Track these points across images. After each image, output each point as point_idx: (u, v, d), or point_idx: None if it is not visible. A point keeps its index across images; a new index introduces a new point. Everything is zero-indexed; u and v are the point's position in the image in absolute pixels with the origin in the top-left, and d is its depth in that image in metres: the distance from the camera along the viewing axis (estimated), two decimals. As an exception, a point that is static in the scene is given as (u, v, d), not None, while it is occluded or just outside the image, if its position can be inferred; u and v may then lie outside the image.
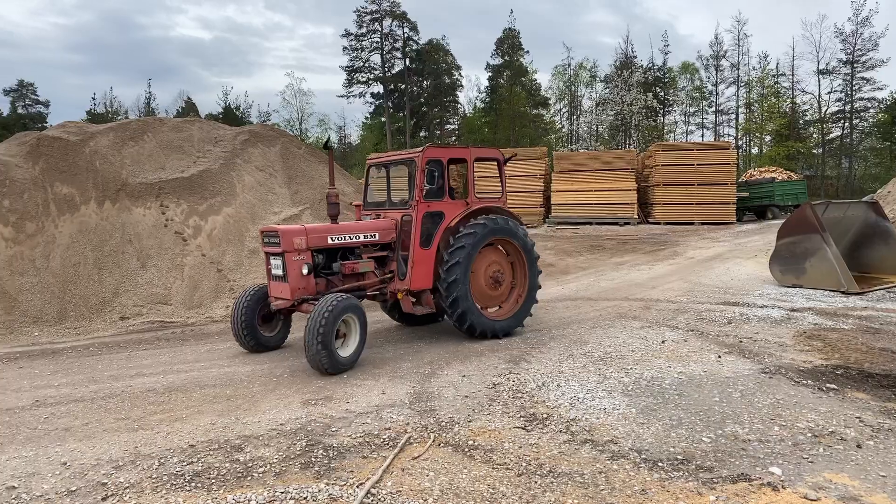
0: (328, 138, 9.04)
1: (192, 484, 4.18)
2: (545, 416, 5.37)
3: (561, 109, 57.34)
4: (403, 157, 8.26)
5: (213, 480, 4.23)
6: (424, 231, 7.77)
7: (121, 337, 9.11)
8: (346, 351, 6.90)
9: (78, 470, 4.39)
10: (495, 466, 4.40)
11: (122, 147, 13.11)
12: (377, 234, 7.95)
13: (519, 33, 52.50)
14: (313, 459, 4.55)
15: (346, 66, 54.14)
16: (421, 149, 7.82)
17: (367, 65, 54.18)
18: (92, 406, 5.86)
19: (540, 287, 8.81)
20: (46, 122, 53.63)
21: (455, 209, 8.05)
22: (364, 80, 54.54)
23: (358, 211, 8.53)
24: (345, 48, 54.09)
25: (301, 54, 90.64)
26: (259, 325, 7.85)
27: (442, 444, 4.80)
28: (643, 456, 4.52)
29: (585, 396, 5.82)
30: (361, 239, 7.86)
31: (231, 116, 51.69)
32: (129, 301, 10.17)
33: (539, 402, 5.71)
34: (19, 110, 55.50)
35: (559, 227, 27.06)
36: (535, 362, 7.04)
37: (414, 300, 8.02)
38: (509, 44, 52.08)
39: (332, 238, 7.66)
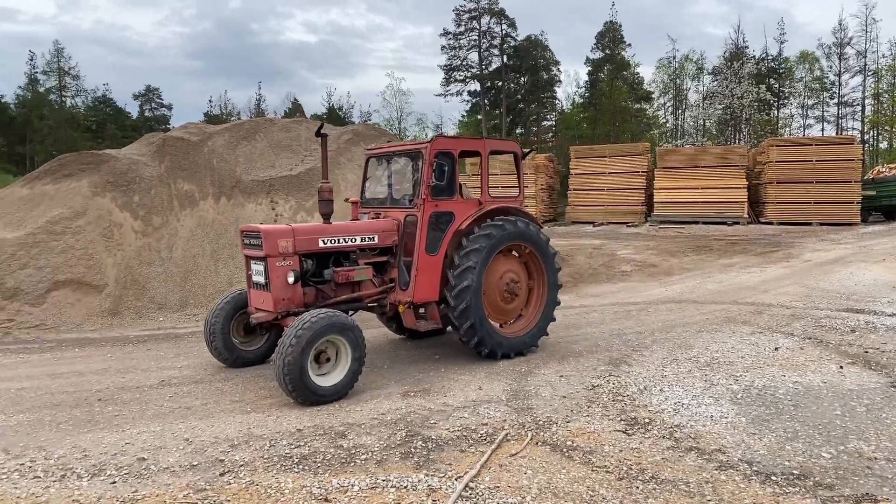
0: (321, 125, 7.70)
1: (300, 466, 4.39)
2: (647, 420, 5.21)
3: (665, 104, 55.18)
4: (408, 148, 7.29)
5: (318, 464, 4.43)
6: (431, 234, 6.76)
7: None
8: (329, 379, 5.78)
9: (199, 446, 4.73)
10: (595, 469, 4.32)
11: (237, 146, 13.96)
12: (376, 237, 6.88)
13: (621, 26, 51.01)
14: (413, 450, 4.65)
15: (444, 65, 54.74)
16: (429, 139, 6.92)
17: (464, 63, 54.54)
18: (210, 388, 6.29)
19: (559, 304, 7.74)
20: (169, 124, 58.04)
21: (467, 209, 7.04)
22: (461, 78, 54.93)
23: (354, 209, 7.54)
24: (443, 47, 54.73)
25: (401, 54, 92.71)
26: (238, 337, 6.99)
27: (539, 443, 4.77)
28: (754, 468, 4.28)
29: (690, 402, 5.59)
30: (358, 242, 6.79)
31: (334, 116, 53.68)
32: (241, 291, 10.82)
33: (640, 406, 5.54)
34: (146, 113, 60.33)
35: (662, 226, 26.06)
36: (637, 365, 6.83)
37: (422, 311, 7.05)
38: (610, 37, 50.73)
39: (323, 241, 6.61)
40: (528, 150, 8.03)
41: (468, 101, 56.26)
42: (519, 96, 54.33)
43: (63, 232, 10.80)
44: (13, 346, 8.31)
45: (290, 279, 6.28)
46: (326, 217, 6.91)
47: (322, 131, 6.87)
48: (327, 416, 5.35)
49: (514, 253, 7.50)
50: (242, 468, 4.35)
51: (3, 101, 49.32)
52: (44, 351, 8.04)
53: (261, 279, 6.40)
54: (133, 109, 59.34)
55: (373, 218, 7.23)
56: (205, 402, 5.83)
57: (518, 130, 55.65)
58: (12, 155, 47.41)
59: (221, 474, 4.26)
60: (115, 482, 4.14)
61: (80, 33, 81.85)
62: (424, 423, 5.20)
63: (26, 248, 10.36)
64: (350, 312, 6.68)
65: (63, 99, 53.46)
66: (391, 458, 4.53)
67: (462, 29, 53.33)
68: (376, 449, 4.67)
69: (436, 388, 6.14)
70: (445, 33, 53.65)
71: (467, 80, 54.90)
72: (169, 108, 62.21)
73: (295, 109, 58.16)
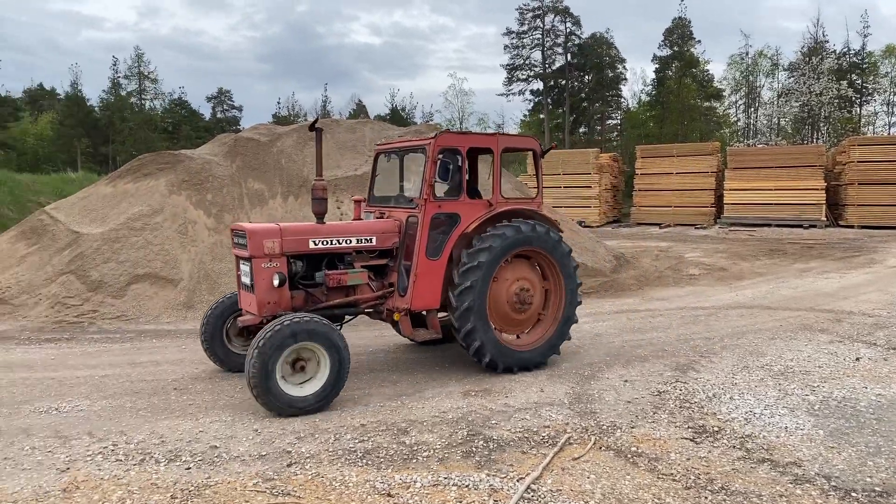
0: (316, 119, 7.22)
1: (364, 460, 4.47)
2: (716, 429, 5.04)
3: (736, 101, 53.10)
4: (416, 143, 6.79)
5: (381, 459, 4.50)
6: (433, 237, 6.35)
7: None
8: (305, 388, 5.47)
9: (267, 437, 4.89)
10: (660, 476, 4.22)
11: (304, 147, 14.32)
12: (374, 239, 6.50)
13: (690, 22, 49.40)
14: (474, 449, 4.66)
15: (507, 65, 54.48)
16: (433, 135, 6.42)
17: (527, 62, 54.15)
18: (277, 381, 6.48)
19: (576, 321, 7.08)
20: (240, 125, 60.09)
21: (475, 211, 6.55)
22: (524, 77, 54.55)
23: (357, 208, 7.16)
24: (506, 46, 54.48)
25: (463, 55, 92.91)
26: (230, 340, 6.80)
27: (603, 448, 4.70)
28: (833, 483, 4.07)
29: (763, 412, 5.37)
30: (353, 244, 6.42)
31: (397, 117, 54.33)
32: (307, 288, 11.11)
33: (709, 414, 5.37)
34: (218, 115, 62.68)
35: (732, 228, 25.12)
36: (705, 372, 6.61)
37: (431, 317, 6.63)
38: (679, 33, 49.24)
39: (314, 241, 6.27)
40: (547, 148, 7.31)
41: (530, 101, 55.82)
42: (583, 95, 53.52)
43: (142, 228, 11.36)
44: (97, 335, 8.80)
45: (276, 282, 5.93)
46: (320, 217, 6.52)
47: (317, 126, 6.48)
48: (390, 413, 5.43)
49: (530, 260, 6.90)
50: (308, 460, 4.46)
51: (88, 104, 52.31)
52: (124, 341, 8.49)
53: (247, 280, 6.12)
54: (206, 111, 61.81)
55: (377, 218, 6.90)
56: (272, 394, 6.01)
57: (581, 129, 54.87)
58: (96, 155, 50.20)
59: (288, 465, 4.38)
60: (189, 468, 4.33)
61: (159, 39, 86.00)
62: (486, 423, 5.20)
63: (109, 242, 10.96)
64: (347, 318, 6.62)
65: (142, 102, 56.23)
66: (452, 456, 4.55)
67: (525, 28, 52.95)
68: (438, 447, 4.70)
69: (497, 388, 6.12)
70: (508, 32, 53.40)
71: (530, 79, 54.47)
72: (239, 109, 64.43)
73: (359, 111, 59.22)
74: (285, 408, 5.35)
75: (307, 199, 12.98)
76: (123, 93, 54.64)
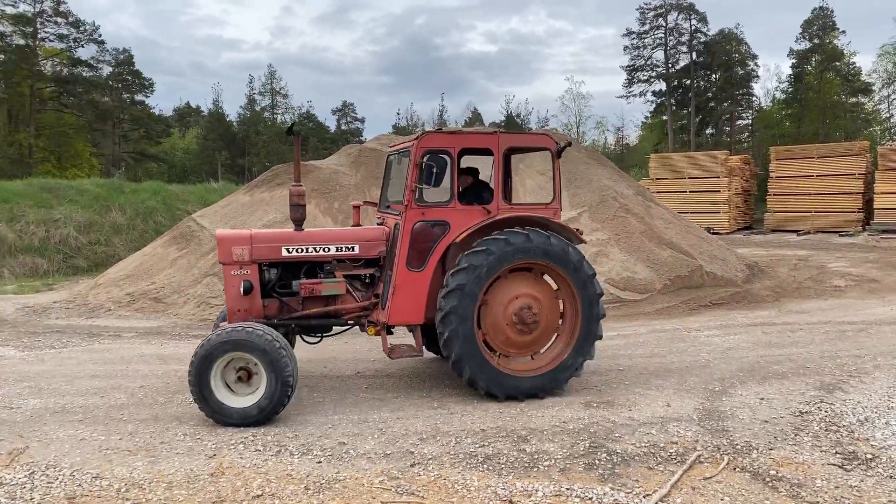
0: (293, 123, 6.66)
1: (485, 465, 4.50)
2: (869, 456, 4.58)
3: (889, 96, 48.12)
4: (406, 145, 6.26)
5: (502, 465, 4.50)
6: (415, 246, 5.90)
7: (419, 324, 10.23)
8: (244, 400, 5.31)
9: (391, 436, 5.05)
10: (805, 504, 3.89)
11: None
12: (357, 247, 6.17)
13: (832, 12, 45.37)
14: (597, 462, 4.55)
15: (627, 66, 52.84)
16: (416, 136, 6.02)
17: (649, 62, 52.25)
18: (399, 382, 6.69)
19: (600, 337, 6.19)
20: (362, 136, 62.72)
21: (469, 219, 5.93)
22: (645, 78, 52.66)
23: (356, 213, 6.85)
24: (626, 47, 52.83)
25: (581, 58, 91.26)
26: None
27: (738, 469, 4.41)
28: None
29: (927, 441, 4.80)
30: (332, 252, 6.12)
31: (512, 123, 54.33)
32: (426, 293, 11.37)
33: (861, 440, 4.88)
34: (342, 126, 65.83)
35: (884, 235, 22.72)
36: (855, 392, 6.03)
37: (415, 334, 6.22)
38: (819, 25, 45.39)
39: (288, 249, 6.05)
40: (564, 145, 6.31)
41: (652, 102, 53.77)
42: (709, 94, 50.79)
43: (276, 234, 12.16)
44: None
45: (242, 290, 5.86)
46: (298, 223, 6.24)
47: (294, 130, 6.25)
48: (510, 420, 5.42)
49: (535, 274, 6.11)
50: (431, 461, 4.55)
51: (228, 119, 56.86)
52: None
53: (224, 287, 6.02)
54: (331, 123, 65.10)
55: (378, 224, 6.66)
56: (396, 395, 6.21)
57: (708, 131, 52.06)
58: (234, 166, 54.44)
59: (412, 465, 4.50)
60: (320, 462, 4.56)
61: (289, 56, 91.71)
62: (609, 435, 5.06)
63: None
64: (341, 329, 6.30)
65: (274, 116, 60.27)
66: (574, 467, 4.47)
67: (647, 27, 51.14)
68: (559, 457, 4.63)
69: (620, 400, 5.93)
70: (629, 33, 51.82)
71: (651, 79, 52.51)
72: (362, 121, 67.25)
73: (474, 118, 59.90)
74: (222, 419, 5.24)
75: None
76: (258, 108, 58.89)
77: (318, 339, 6.41)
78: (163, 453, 4.71)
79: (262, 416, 5.28)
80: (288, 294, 6.14)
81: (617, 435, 5.07)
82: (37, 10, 44.45)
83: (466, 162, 6.64)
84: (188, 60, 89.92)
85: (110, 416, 5.58)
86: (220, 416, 5.26)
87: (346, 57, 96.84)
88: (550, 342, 6.23)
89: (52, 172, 36.53)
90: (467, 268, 5.73)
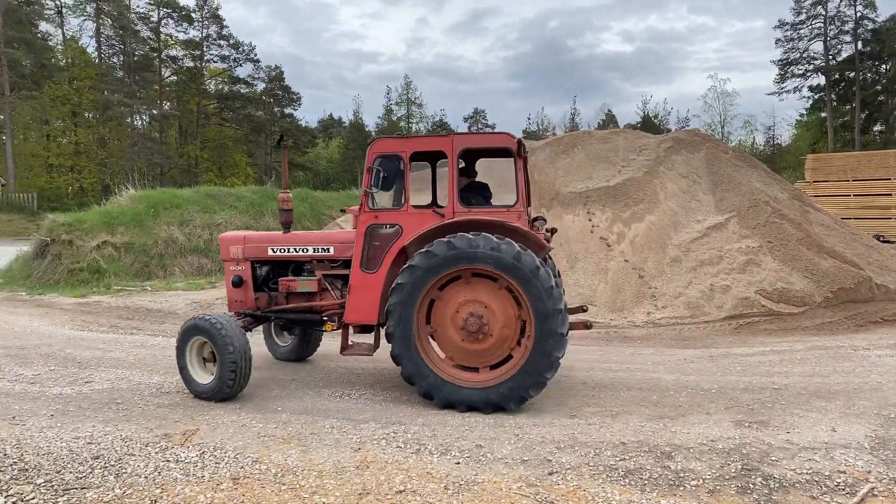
0: (281, 136, 7.69)
1: (626, 480, 4.34)
2: None
3: None
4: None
5: (645, 481, 4.31)
6: (368, 249, 6.12)
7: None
8: (207, 378, 6.19)
9: (527, 443, 5.02)
10: None
11: (556, 160, 14.53)
12: (332, 248, 6.61)
13: None
14: (751, 485, 4.23)
15: (779, 60, 48.95)
16: (370, 140, 6.24)
17: (805, 55, 48.02)
18: (534, 389, 6.63)
19: (557, 357, 5.64)
20: (492, 142, 63.10)
21: (421, 222, 5.96)
22: (801, 72, 48.47)
23: (354, 219, 6.73)
24: (778, 40, 48.94)
25: (725, 54, 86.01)
26: (275, 335, 8.00)
27: (923, 508, 3.90)
28: None
29: None
30: (310, 253, 6.69)
31: (649, 125, 52.20)
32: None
33: None
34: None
35: None
36: None
37: (374, 333, 6.42)
38: None
39: (272, 249, 6.81)
40: (518, 147, 6.04)
41: (808, 98, 49.42)
42: (878, 87, 45.69)
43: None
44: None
45: (232, 283, 6.88)
46: (285, 226, 7.05)
47: (283, 143, 7.06)
48: (651, 434, 5.19)
49: (500, 284, 5.79)
50: (570, 471, 4.47)
51: (367, 129, 59.80)
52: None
53: None
54: (463, 131, 66.36)
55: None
56: (530, 401, 6.15)
57: (877, 128, 46.86)
58: (372, 174, 57.28)
59: (550, 473, 4.44)
60: (458, 463, 4.63)
61: (423, 66, 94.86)
62: (764, 458, 4.68)
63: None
64: (332, 325, 6.50)
65: (409, 125, 62.51)
66: (726, 489, 4.18)
67: (803, 17, 47.09)
68: (708, 477, 4.36)
69: (776, 421, 5.48)
70: (781, 24, 48.03)
71: (808, 73, 48.28)
72: (493, 127, 67.80)
73: (608, 121, 58.24)
74: (191, 388, 6.27)
75: (559, 212, 13.13)
76: (394, 118, 61.37)
77: (294, 333, 7.45)
78: (313, 443, 5.02)
79: (215, 393, 6.09)
80: (276, 289, 6.91)
81: (773, 458, 4.68)
82: (203, 34, 49.41)
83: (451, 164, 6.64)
84: (331, 74, 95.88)
85: (266, 406, 6.05)
86: (190, 388, 6.30)
87: (477, 64, 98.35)
88: (505, 357, 5.88)
89: (213, 181, 40.44)
90: (408, 269, 5.82)
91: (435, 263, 5.73)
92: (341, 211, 7.44)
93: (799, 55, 48.20)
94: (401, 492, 4.16)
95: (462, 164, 6.43)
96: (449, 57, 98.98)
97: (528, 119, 70.55)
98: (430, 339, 6.10)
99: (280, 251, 6.86)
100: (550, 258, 6.78)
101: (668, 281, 11.10)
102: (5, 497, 4.10)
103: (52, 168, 40.67)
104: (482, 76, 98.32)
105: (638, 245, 11.92)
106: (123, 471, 4.49)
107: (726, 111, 55.25)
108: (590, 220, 12.80)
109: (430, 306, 5.98)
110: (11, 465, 4.56)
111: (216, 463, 4.63)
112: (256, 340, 9.36)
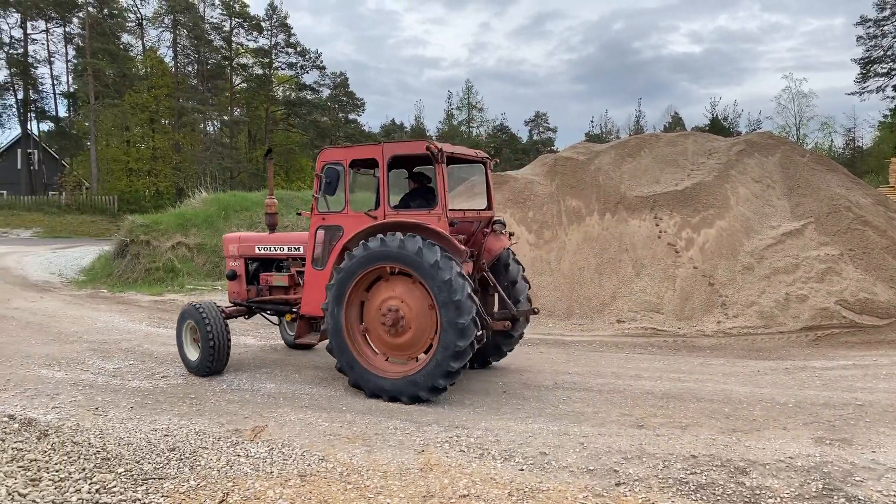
0: (269, 149, 8.84)
1: (697, 494, 4.18)
2: None
3: None
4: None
5: (718, 497, 4.14)
6: (319, 248, 6.82)
7: (617, 338, 9.88)
8: (194, 356, 7.27)
9: (593, 452, 4.91)
10: None
11: (621, 163, 14.22)
12: (301, 248, 7.37)
13: None
14: (834, 507, 4.00)
15: (861, 59, 46.40)
16: (317, 151, 6.99)
17: (889, 53, 45.35)
18: (599, 397, 6.50)
19: (462, 352, 5.90)
20: (554, 146, 62.58)
21: (358, 224, 6.48)
22: (884, 70, 45.79)
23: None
24: (859, 38, 46.42)
25: (801, 53, 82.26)
26: (287, 324, 8.73)
27: None
28: None
29: None
30: (285, 251, 7.61)
31: (718, 127, 50.49)
32: (624, 306, 10.95)
33: None
34: (534, 137, 66.31)
35: None
36: None
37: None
38: None
39: (259, 248, 7.80)
40: (436, 153, 6.26)
41: (892, 98, 46.63)
42: (973, 85, 42.73)
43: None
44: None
45: (227, 276, 7.87)
46: (271, 228, 8.07)
47: (269, 156, 8.57)
48: (724, 448, 4.98)
49: (413, 279, 6.20)
50: (637, 483, 4.34)
51: (427, 134, 60.31)
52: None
53: None
54: (523, 134, 65.96)
55: None
56: (596, 409, 6.04)
57: (969, 129, 43.85)
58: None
59: (617, 485, 4.33)
60: (522, 469, 4.58)
61: (485, 71, 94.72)
62: (847, 478, 4.42)
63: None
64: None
65: (470, 129, 62.62)
66: (806, 510, 3.97)
67: (888, 13, 44.52)
68: (786, 495, 4.15)
69: (860, 439, 5.17)
70: (863, 21, 45.55)
71: (892, 72, 45.60)
72: (554, 130, 67.19)
73: (674, 123, 56.67)
74: (184, 364, 7.41)
75: (624, 216, 12.85)
76: (455, 122, 61.62)
77: (279, 321, 8.47)
78: (377, 444, 5.07)
79: (199, 367, 7.18)
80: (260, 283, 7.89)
81: (857, 479, 4.41)
82: (272, 42, 51.03)
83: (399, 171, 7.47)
84: (394, 80, 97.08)
85: (332, 405, 6.16)
86: (184, 363, 7.43)
87: (540, 68, 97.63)
88: (427, 349, 6.24)
89: (280, 185, 41.63)
90: (335, 270, 6.44)
91: (362, 259, 6.25)
92: (297, 213, 8.61)
93: (882, 53, 45.56)
94: (465, 496, 4.14)
95: (420, 171, 7.31)
96: (511, 61, 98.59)
97: (592, 122, 69.62)
98: (366, 337, 6.57)
99: (264, 250, 7.82)
100: (517, 261, 7.44)
101: (740, 289, 10.68)
102: (90, 484, 4.32)
103: (131, 172, 42.81)
104: (545, 80, 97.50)
105: (708, 251, 11.53)
106: (197, 463, 4.66)
107: (802, 113, 52.76)
108: (657, 225, 12.46)
109: (363, 308, 6.53)
110: (95, 453, 4.81)
111: (284, 459, 4.74)
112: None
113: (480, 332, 6.17)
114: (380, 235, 6.19)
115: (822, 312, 9.87)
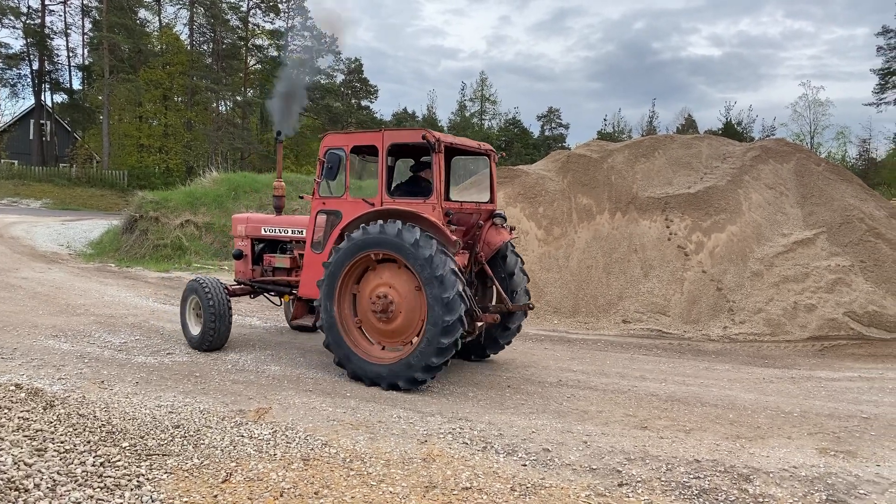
0: (279, 132, 8.53)
1: (700, 499, 4.17)
2: None
3: None
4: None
5: (720, 503, 4.13)
6: (318, 232, 6.90)
7: (622, 339, 9.85)
8: (197, 330, 7.44)
9: (596, 451, 4.90)
10: None
11: (635, 163, 14.13)
12: (304, 231, 7.40)
13: None
14: (837, 519, 3.98)
15: (880, 70, 45.95)
16: (321, 136, 6.97)
17: (908, 64, 44.85)
18: (603, 396, 6.49)
19: (446, 347, 5.96)
20: (565, 143, 62.25)
21: (356, 210, 6.52)
22: (902, 82, 45.32)
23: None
24: (879, 48, 45.94)
25: (821, 61, 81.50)
26: (288, 305, 8.74)
27: None
28: None
29: None
30: (289, 234, 7.72)
31: (731, 131, 50.12)
32: (630, 306, 10.91)
33: None
34: (546, 132, 65.99)
35: None
36: None
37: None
38: None
39: (265, 229, 7.87)
40: (433, 142, 6.22)
41: (909, 111, 46.19)
42: None
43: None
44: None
45: (234, 256, 8.08)
46: (278, 210, 8.20)
47: (279, 138, 8.40)
48: (727, 454, 4.97)
49: (400, 265, 6.29)
50: (640, 484, 4.33)
51: (439, 125, 60.07)
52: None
53: None
54: (535, 129, 65.58)
55: None
56: (600, 409, 6.03)
57: None
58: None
59: (619, 485, 4.32)
60: (525, 465, 4.57)
61: (503, 64, 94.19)
62: (850, 490, 4.40)
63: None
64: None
65: (482, 121, 62.38)
66: (809, 520, 3.95)
67: (910, 24, 43.99)
68: (789, 505, 4.14)
69: (864, 451, 5.14)
70: (885, 31, 45.06)
71: (911, 84, 45.15)
72: (566, 127, 66.74)
73: (688, 125, 56.31)
74: (185, 336, 7.62)
75: (634, 216, 12.79)
76: (467, 114, 61.36)
77: (280, 302, 8.40)
78: (380, 431, 5.08)
79: (199, 343, 7.37)
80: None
81: (861, 492, 4.39)
82: (289, 25, 50.84)
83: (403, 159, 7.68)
84: (410, 69, 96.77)
85: (336, 391, 6.16)
86: (186, 337, 7.62)
87: (557, 63, 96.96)
88: (419, 331, 6.18)
89: (290, 168, 41.59)
90: (336, 249, 6.45)
91: (355, 245, 6.27)
92: (300, 197, 8.94)
93: (902, 64, 45.09)
94: (467, 489, 4.14)
95: (425, 159, 7.08)
96: (529, 56, 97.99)
97: (605, 120, 69.17)
98: (361, 329, 6.59)
99: (270, 231, 7.91)
100: (515, 253, 7.34)
101: (748, 295, 10.63)
102: (94, 457, 4.33)
103: (142, 148, 42.83)
104: (561, 76, 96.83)
105: (717, 256, 11.47)
106: (201, 442, 4.68)
107: (817, 121, 52.34)
108: (667, 227, 12.40)
109: (356, 301, 6.58)
110: (100, 426, 4.82)
111: (287, 442, 4.75)
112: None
113: (468, 307, 6.11)
114: (363, 225, 6.31)
115: (829, 323, 9.82)
